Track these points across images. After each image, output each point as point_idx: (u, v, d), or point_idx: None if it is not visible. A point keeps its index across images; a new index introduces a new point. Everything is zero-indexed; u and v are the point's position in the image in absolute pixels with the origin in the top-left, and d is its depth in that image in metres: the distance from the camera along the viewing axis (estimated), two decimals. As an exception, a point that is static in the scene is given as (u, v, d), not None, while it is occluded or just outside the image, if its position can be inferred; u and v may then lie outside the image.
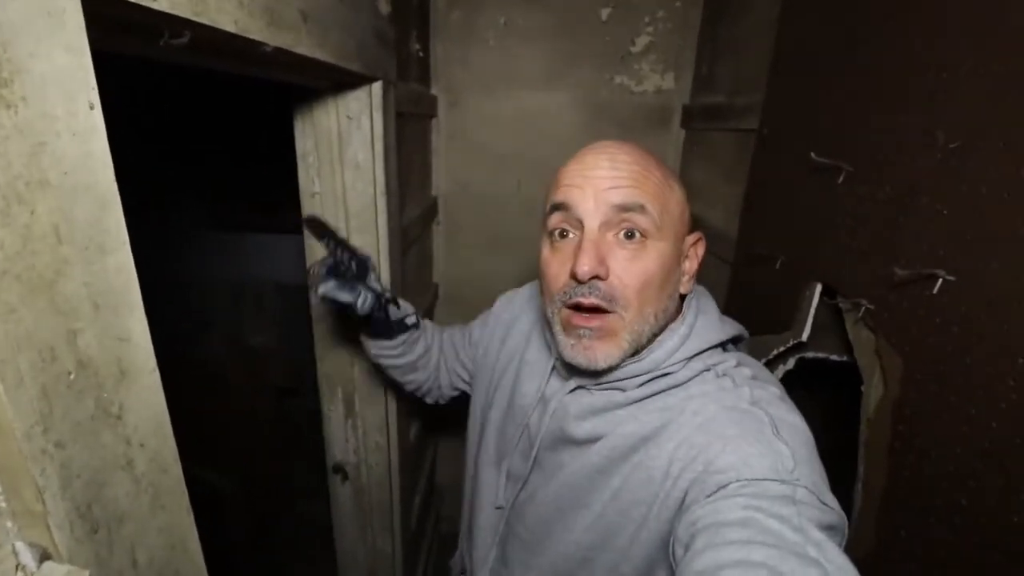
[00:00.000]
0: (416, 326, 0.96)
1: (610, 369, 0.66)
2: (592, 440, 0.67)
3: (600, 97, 1.65)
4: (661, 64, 1.61)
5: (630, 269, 0.61)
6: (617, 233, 0.62)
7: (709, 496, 0.52)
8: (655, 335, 0.66)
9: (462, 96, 1.69)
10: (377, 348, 0.97)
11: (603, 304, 0.61)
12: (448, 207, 1.80)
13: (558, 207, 0.64)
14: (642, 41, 1.59)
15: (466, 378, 1.01)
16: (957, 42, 0.64)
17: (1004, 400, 0.56)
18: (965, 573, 0.60)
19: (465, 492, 0.94)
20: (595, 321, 0.63)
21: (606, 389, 0.68)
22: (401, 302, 0.94)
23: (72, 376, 0.34)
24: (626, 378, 0.66)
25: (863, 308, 0.76)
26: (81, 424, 0.35)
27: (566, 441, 0.70)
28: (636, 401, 0.66)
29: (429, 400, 1.07)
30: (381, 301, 0.88)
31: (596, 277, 0.61)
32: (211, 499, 2.11)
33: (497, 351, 0.89)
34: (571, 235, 0.64)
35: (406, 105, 1.24)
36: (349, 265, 0.84)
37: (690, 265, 0.69)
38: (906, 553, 0.68)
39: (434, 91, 1.67)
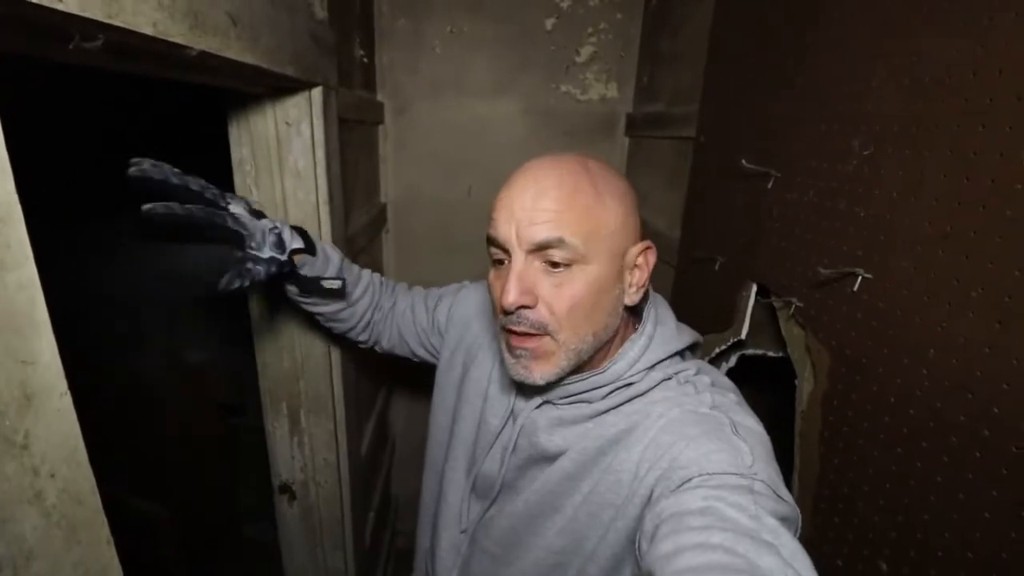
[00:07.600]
0: (342, 292, 0.90)
1: (561, 382, 0.68)
2: (563, 451, 0.68)
3: (547, 105, 1.67)
4: (605, 74, 1.65)
5: (557, 296, 0.61)
6: (543, 261, 0.61)
7: (673, 490, 0.54)
8: (599, 349, 0.67)
9: (410, 103, 1.67)
10: (310, 305, 0.93)
11: (533, 332, 0.63)
12: (398, 214, 1.78)
13: (491, 240, 0.65)
14: (586, 51, 1.63)
15: (427, 351, 1.00)
16: (869, 57, 0.68)
17: (918, 388, 0.60)
18: (892, 554, 0.64)
19: (425, 510, 0.91)
20: (529, 343, 0.64)
21: (573, 403, 0.69)
22: (322, 250, 0.87)
23: (-34, 404, 0.31)
24: (590, 390, 0.67)
25: (793, 306, 0.80)
26: (-22, 456, 0.32)
27: (537, 459, 0.71)
28: (603, 412, 0.67)
29: (363, 341, 1.04)
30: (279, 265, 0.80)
31: (524, 307, 0.62)
32: (147, 529, 1.98)
33: (463, 359, 0.88)
34: (507, 262, 0.64)
35: (350, 111, 1.22)
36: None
37: (639, 276, 0.66)
38: (839, 537, 0.72)
39: (380, 98, 1.64)
